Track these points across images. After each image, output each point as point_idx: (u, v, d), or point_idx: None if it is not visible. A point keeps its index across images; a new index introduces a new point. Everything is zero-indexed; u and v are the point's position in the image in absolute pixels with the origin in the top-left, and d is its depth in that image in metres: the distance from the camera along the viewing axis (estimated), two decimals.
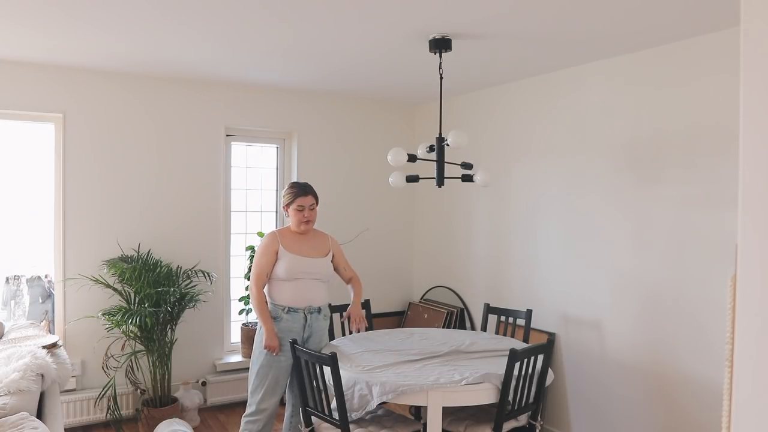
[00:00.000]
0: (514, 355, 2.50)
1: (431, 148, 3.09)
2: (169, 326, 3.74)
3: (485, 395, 2.53)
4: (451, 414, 2.86)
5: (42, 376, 2.41)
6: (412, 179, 3.13)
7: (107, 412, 3.63)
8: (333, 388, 2.51)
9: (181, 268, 3.94)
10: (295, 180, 4.45)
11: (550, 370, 2.83)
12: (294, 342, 2.75)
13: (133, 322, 3.45)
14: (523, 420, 2.81)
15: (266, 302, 3.02)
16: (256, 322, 3.83)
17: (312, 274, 3.04)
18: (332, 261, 3.18)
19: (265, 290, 3.08)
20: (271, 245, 3.03)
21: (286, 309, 3.00)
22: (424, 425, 2.70)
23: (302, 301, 3.02)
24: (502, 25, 2.75)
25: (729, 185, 2.73)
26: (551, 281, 3.70)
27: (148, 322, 3.49)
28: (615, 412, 3.30)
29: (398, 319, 4.89)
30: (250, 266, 3.82)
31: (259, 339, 3.01)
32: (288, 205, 3.09)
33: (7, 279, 3.92)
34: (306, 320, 3.02)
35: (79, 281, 3.75)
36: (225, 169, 4.35)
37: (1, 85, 3.55)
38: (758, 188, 0.94)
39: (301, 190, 3.07)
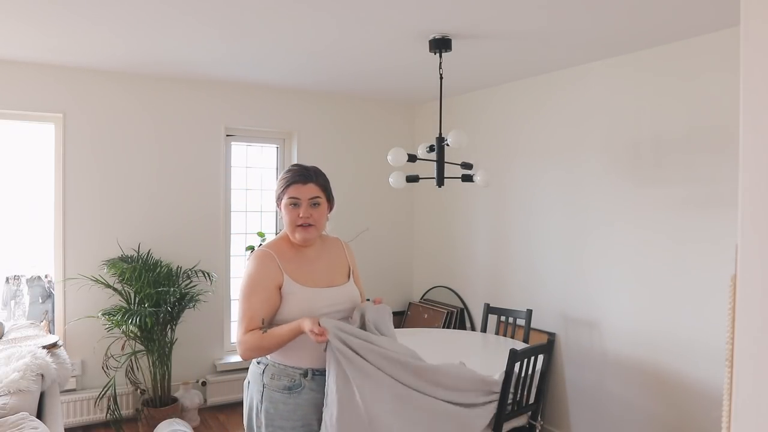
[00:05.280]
0: (514, 355, 2.50)
1: (431, 148, 3.08)
2: (169, 326, 3.74)
3: None
4: None
5: (42, 376, 2.41)
6: (412, 179, 3.13)
7: (107, 412, 3.63)
8: None
9: (181, 268, 3.93)
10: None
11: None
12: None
13: (133, 322, 3.45)
14: (523, 420, 2.81)
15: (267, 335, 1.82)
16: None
17: (337, 310, 1.93)
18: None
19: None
20: (271, 276, 1.87)
21: (309, 373, 1.88)
22: None
23: None
24: (502, 25, 2.75)
25: (729, 185, 2.73)
26: (551, 281, 3.70)
27: (148, 322, 3.49)
28: (615, 412, 3.30)
29: (398, 319, 4.89)
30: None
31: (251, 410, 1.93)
32: (279, 200, 1.97)
33: (7, 279, 3.92)
34: None
35: (79, 281, 3.75)
36: (225, 169, 4.35)
37: (1, 85, 3.55)
38: (758, 188, 0.94)
39: (297, 175, 1.93)
